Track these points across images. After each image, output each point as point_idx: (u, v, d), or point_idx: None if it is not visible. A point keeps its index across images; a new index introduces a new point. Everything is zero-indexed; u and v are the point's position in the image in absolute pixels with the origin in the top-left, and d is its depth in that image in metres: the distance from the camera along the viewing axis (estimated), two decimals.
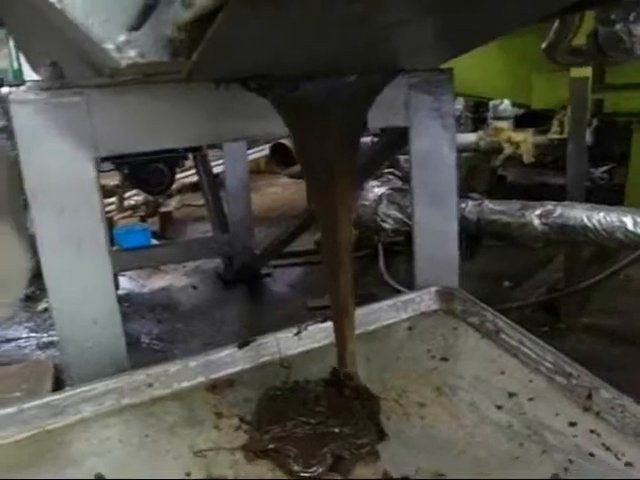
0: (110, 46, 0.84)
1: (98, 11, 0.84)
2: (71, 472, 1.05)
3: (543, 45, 2.99)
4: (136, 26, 0.79)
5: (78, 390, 1.20)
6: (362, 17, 0.73)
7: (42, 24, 1.10)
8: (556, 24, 2.82)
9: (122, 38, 0.84)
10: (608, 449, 1.04)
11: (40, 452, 1.10)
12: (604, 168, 4.21)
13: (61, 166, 1.20)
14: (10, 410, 1.15)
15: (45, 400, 1.18)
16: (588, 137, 3.18)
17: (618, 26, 2.57)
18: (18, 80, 3.93)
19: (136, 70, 0.90)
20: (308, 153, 1.14)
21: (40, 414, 1.16)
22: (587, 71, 2.93)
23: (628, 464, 1.01)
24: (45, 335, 3.29)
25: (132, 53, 0.85)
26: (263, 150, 6.00)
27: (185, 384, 1.28)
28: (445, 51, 1.20)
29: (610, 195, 3.77)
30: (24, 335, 3.32)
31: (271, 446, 1.07)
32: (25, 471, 1.05)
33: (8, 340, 3.26)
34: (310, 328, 1.41)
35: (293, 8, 0.64)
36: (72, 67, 1.23)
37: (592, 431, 1.09)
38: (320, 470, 1.02)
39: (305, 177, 1.14)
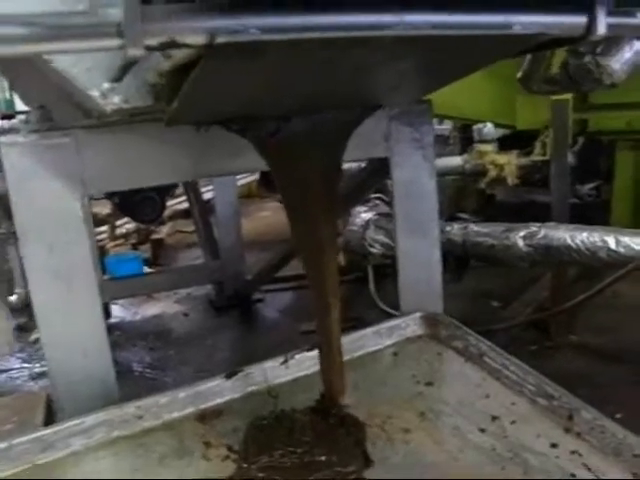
0: (95, 93, 0.87)
1: (82, 60, 0.88)
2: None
3: (518, 75, 3.05)
4: (118, 78, 0.82)
5: (68, 424, 1.22)
6: (335, 61, 0.77)
7: (31, 70, 1.13)
8: (529, 56, 2.88)
9: (106, 85, 0.88)
10: (589, 469, 1.07)
11: None
12: (591, 185, 4.26)
13: (50, 204, 1.23)
14: (0, 446, 1.16)
15: (35, 435, 1.20)
16: (571, 157, 3.23)
17: (587, 58, 2.63)
18: (10, 110, 3.96)
19: (121, 113, 0.94)
20: (289, 189, 1.17)
21: (30, 449, 1.18)
22: (567, 95, 2.99)
23: None
24: (37, 365, 3.27)
25: (116, 99, 0.89)
26: (253, 175, 6.04)
27: (175, 415, 1.30)
28: (420, 88, 1.24)
29: (598, 211, 3.82)
30: (16, 366, 3.31)
31: (259, 475, 1.09)
32: None
33: (0, 371, 3.26)
34: (297, 357, 1.43)
35: (265, 59, 0.68)
36: (60, 109, 1.27)
37: (573, 452, 1.11)
38: None
39: (287, 213, 1.17)
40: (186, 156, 1.35)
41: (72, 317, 1.32)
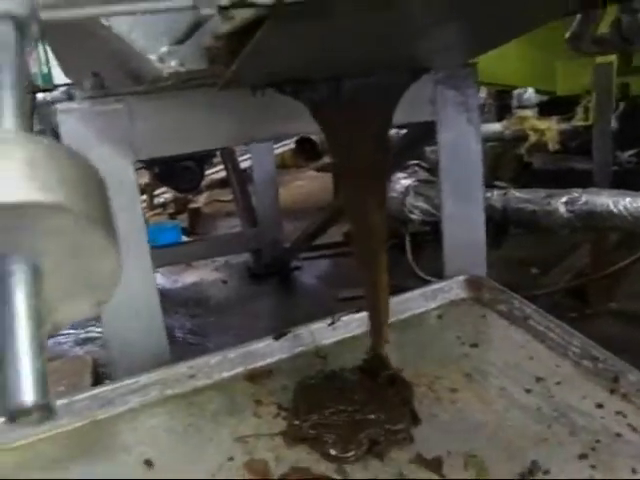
0: (153, 57, 0.89)
1: (140, 25, 0.90)
2: (122, 459, 1.11)
3: (567, 35, 2.98)
4: (181, 40, 0.84)
5: (124, 382, 1.26)
6: (396, 21, 0.78)
7: (84, 38, 1.16)
8: (579, 15, 2.81)
9: (164, 49, 0.89)
10: (634, 430, 1.07)
11: (91, 441, 1.17)
12: (631, 152, 4.18)
13: (104, 169, 1.25)
14: (62, 402, 1.21)
15: (94, 392, 1.25)
16: (613, 122, 3.17)
17: None
18: (48, 84, 4.00)
19: (176, 77, 0.96)
20: (341, 151, 1.19)
21: (90, 405, 1.23)
22: (612, 56, 2.92)
23: None
24: (82, 332, 3.35)
25: (173, 63, 0.91)
26: (289, 144, 6.03)
27: (225, 374, 1.33)
28: (469, 49, 1.24)
29: (638, 178, 3.75)
30: (63, 332, 3.39)
31: (310, 432, 1.12)
32: (78, 459, 1.12)
33: (48, 337, 3.35)
34: (344, 319, 1.46)
35: (332, 18, 0.69)
36: (112, 76, 1.29)
37: (618, 412, 1.12)
38: (357, 454, 1.07)
39: (338, 175, 1.19)
40: (235, 121, 1.37)
41: (126, 280, 1.35)
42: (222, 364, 1.34)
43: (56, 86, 3.59)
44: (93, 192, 0.47)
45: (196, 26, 0.78)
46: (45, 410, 0.43)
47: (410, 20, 0.77)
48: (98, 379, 2.54)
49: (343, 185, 1.18)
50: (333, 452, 1.08)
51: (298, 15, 0.63)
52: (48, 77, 4.29)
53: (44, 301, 0.47)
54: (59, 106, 1.21)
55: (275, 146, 5.05)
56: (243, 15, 0.68)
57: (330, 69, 1.02)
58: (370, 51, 0.91)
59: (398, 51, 0.97)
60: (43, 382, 0.44)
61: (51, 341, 3.29)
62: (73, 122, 1.22)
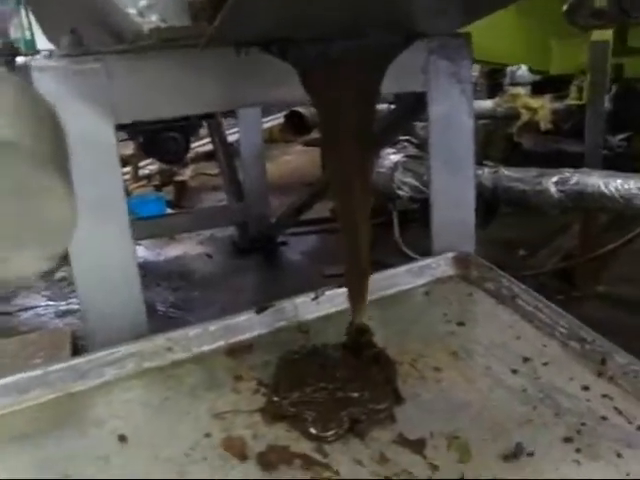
0: (133, 11, 0.84)
1: None
2: (94, 433, 1.08)
3: (564, 7, 2.93)
4: None
5: (100, 354, 1.23)
6: None
7: None
8: None
9: (144, 2, 0.85)
10: (620, 413, 1.06)
11: (64, 414, 1.13)
12: (622, 135, 4.16)
13: (82, 132, 1.20)
14: (35, 373, 1.18)
15: (69, 364, 1.21)
16: (607, 103, 3.13)
17: None
18: (31, 50, 3.92)
19: (157, 35, 0.91)
20: (328, 117, 1.14)
21: (64, 377, 1.19)
22: (608, 34, 2.87)
23: None
24: (63, 303, 3.32)
25: (153, 17, 0.86)
26: (277, 118, 5.97)
27: (204, 348, 1.30)
28: (466, 14, 1.19)
29: (628, 163, 3.73)
30: (42, 304, 3.36)
31: (290, 410, 1.09)
32: (48, 433, 1.08)
33: (26, 309, 3.30)
34: (327, 293, 1.42)
35: None
36: (91, 35, 1.24)
37: (605, 395, 1.10)
38: (337, 433, 1.04)
39: (324, 142, 1.15)
40: (219, 85, 1.32)
41: (103, 249, 1.32)
42: (202, 337, 1.31)
43: (39, 52, 3.51)
44: (47, 132, 0.42)
45: None
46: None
47: None
48: (77, 352, 2.50)
49: (328, 153, 1.14)
50: (313, 431, 1.05)
51: None
52: (31, 43, 4.19)
53: None
54: (33, 63, 1.15)
55: (264, 120, 5.00)
56: None
57: (318, 28, 0.98)
58: (359, 9, 0.87)
59: (387, 10, 0.93)
60: None
61: (30, 313, 3.25)
62: (48, 80, 1.17)
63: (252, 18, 0.81)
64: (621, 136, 4.09)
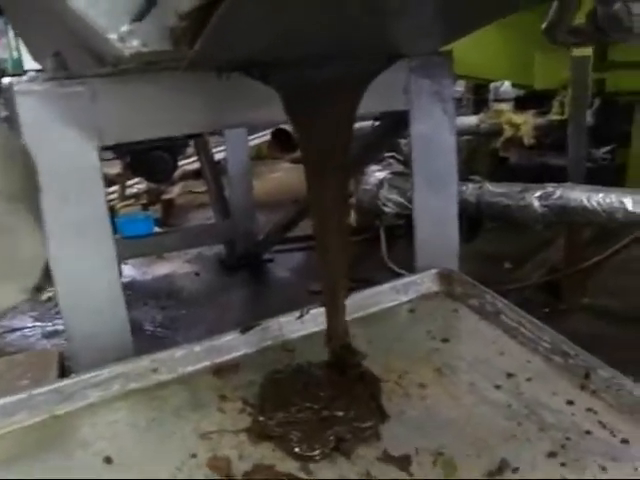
0: (113, 36, 0.85)
1: (100, 1, 0.86)
2: (80, 455, 1.08)
3: (543, 25, 2.97)
4: (139, 17, 0.80)
5: (85, 376, 1.22)
6: (364, 2, 0.75)
7: (44, 15, 1.11)
8: (555, 4, 2.79)
9: (125, 28, 0.85)
10: (604, 427, 1.07)
11: (49, 437, 1.13)
12: (606, 148, 4.20)
13: (65, 155, 1.21)
14: (20, 396, 1.17)
15: (53, 386, 1.20)
16: (589, 118, 3.17)
17: (617, 5, 2.54)
18: (18, 70, 3.92)
19: (139, 59, 0.91)
20: (307, 139, 1.15)
21: (49, 400, 1.18)
22: (588, 50, 2.91)
23: (624, 441, 1.03)
24: (50, 324, 3.30)
25: (135, 43, 0.87)
26: (264, 135, 5.98)
27: (190, 368, 1.30)
28: (447, 34, 1.21)
29: (612, 175, 3.77)
30: (29, 325, 3.33)
31: (276, 430, 1.09)
32: (34, 456, 1.07)
33: (13, 330, 3.28)
34: (312, 312, 1.43)
35: None
36: (75, 57, 1.25)
37: (589, 409, 1.11)
38: (323, 452, 1.04)
39: (303, 162, 1.16)
40: (202, 107, 1.33)
41: (87, 271, 1.31)
42: (187, 358, 1.31)
43: (26, 71, 3.52)
44: (15, 169, 0.43)
45: (152, 1, 0.74)
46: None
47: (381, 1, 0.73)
48: (64, 373, 2.49)
49: (307, 172, 1.15)
50: (298, 450, 1.05)
51: None
52: (18, 62, 4.20)
53: None
54: (17, 87, 1.16)
55: (250, 137, 5.00)
56: None
57: (298, 52, 0.98)
58: (340, 33, 0.88)
59: (369, 35, 0.94)
60: None
61: (16, 334, 3.23)
62: (32, 104, 1.17)
63: (232, 43, 0.82)
64: (605, 149, 4.13)
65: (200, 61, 0.95)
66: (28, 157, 0.47)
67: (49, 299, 3.44)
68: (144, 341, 2.88)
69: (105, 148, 1.31)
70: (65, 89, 1.21)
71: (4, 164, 0.42)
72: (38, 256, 0.48)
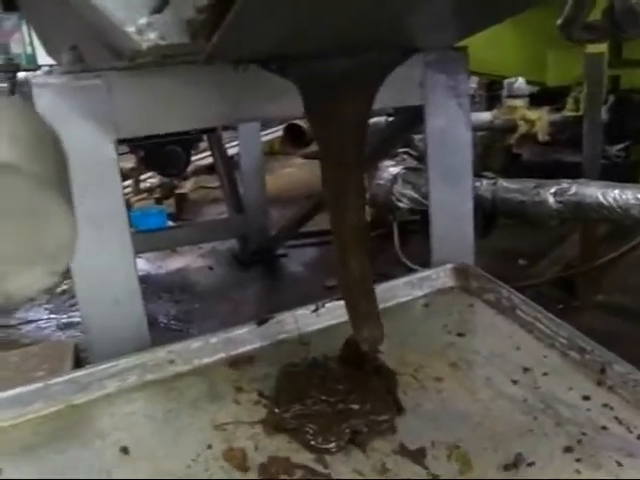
0: (131, 29, 0.86)
1: None
2: (97, 445, 1.09)
3: (558, 22, 2.96)
4: (158, 9, 0.80)
5: (102, 366, 1.23)
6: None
7: (62, 9, 1.12)
8: (571, 1, 2.79)
9: (143, 21, 0.86)
10: (620, 422, 1.06)
11: (66, 427, 1.14)
12: (620, 146, 4.17)
13: (82, 148, 1.22)
14: (37, 386, 1.18)
15: (70, 376, 1.22)
16: (604, 114, 3.16)
17: (634, 0, 2.54)
18: (32, 65, 3.94)
19: (156, 52, 0.92)
20: (324, 132, 1.15)
21: (65, 390, 1.20)
22: (603, 47, 2.90)
23: None
24: (65, 316, 3.33)
25: (152, 35, 0.87)
26: (277, 131, 5.99)
27: (206, 360, 1.31)
28: (462, 29, 1.21)
29: (626, 173, 3.74)
30: (44, 317, 3.37)
31: (292, 422, 1.09)
32: (51, 445, 1.08)
33: (29, 321, 3.31)
34: (328, 305, 1.43)
35: None
36: (91, 51, 1.25)
37: (605, 405, 1.11)
38: (339, 444, 1.05)
39: (320, 157, 1.16)
40: (218, 100, 1.33)
41: (104, 263, 1.32)
42: (203, 349, 1.31)
43: (40, 66, 3.54)
44: (47, 153, 0.44)
45: None
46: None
47: None
48: (79, 364, 2.50)
49: (322, 167, 1.15)
50: (314, 443, 1.05)
51: None
52: (32, 58, 4.22)
53: None
54: (34, 80, 1.17)
55: (264, 133, 5.01)
56: None
57: (316, 46, 0.99)
58: (356, 26, 0.88)
59: (386, 27, 0.94)
60: None
61: (32, 325, 3.26)
62: (49, 97, 1.18)
63: (249, 36, 0.82)
64: (619, 146, 4.10)
65: (218, 54, 0.95)
66: (60, 144, 0.48)
67: (64, 291, 3.47)
68: (158, 334, 2.88)
69: (119, 142, 1.31)
70: (82, 82, 1.22)
71: (39, 149, 0.43)
72: (69, 242, 0.49)
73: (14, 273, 0.49)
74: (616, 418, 1.07)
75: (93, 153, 1.24)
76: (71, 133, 1.21)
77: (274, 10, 0.70)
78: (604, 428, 1.05)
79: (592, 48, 2.90)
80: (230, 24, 0.72)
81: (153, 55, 0.98)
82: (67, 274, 1.30)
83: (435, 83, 1.53)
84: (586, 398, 1.13)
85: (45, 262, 0.50)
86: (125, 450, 1.07)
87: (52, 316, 3.35)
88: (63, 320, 3.29)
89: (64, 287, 3.42)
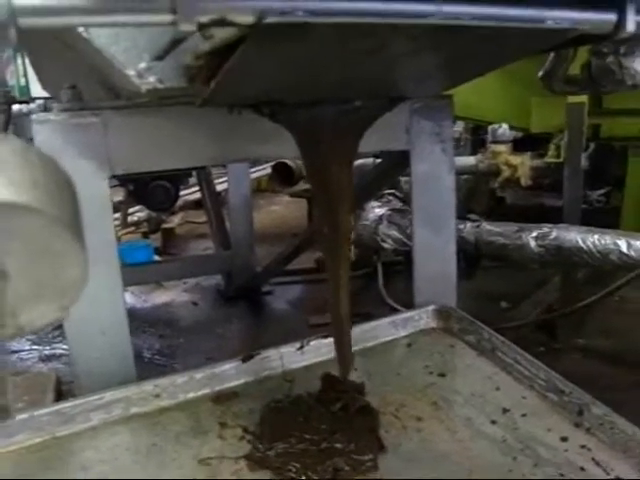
0: (132, 72, 0.89)
1: (121, 39, 0.90)
2: (80, 478, 1.09)
3: (540, 73, 3.06)
4: (161, 56, 0.84)
5: (87, 399, 1.24)
6: (372, 50, 0.79)
7: (62, 49, 1.15)
8: (552, 54, 2.88)
9: (143, 65, 0.90)
10: (598, 464, 1.08)
11: (50, 458, 1.14)
12: (601, 191, 4.27)
13: (77, 182, 1.24)
14: (21, 417, 1.18)
15: (55, 408, 1.22)
16: (584, 161, 3.23)
17: (609, 58, 2.64)
18: (25, 97, 3.96)
19: (154, 94, 0.95)
20: (316, 173, 1.20)
21: (50, 421, 1.20)
22: (583, 97, 2.99)
23: (617, 479, 1.04)
24: (47, 348, 3.30)
25: (152, 79, 0.91)
26: (265, 169, 6.04)
27: (191, 395, 1.32)
28: (448, 80, 1.25)
29: (607, 218, 3.82)
30: (26, 348, 3.34)
31: (276, 461, 1.11)
32: (35, 477, 1.09)
33: (11, 352, 3.28)
34: (312, 343, 1.45)
35: (310, 42, 0.69)
36: (89, 89, 1.29)
37: (583, 446, 1.12)
38: None
39: (313, 193, 1.21)
40: (212, 140, 1.37)
41: (93, 296, 1.33)
42: (188, 384, 1.33)
43: (33, 99, 3.57)
44: (63, 196, 0.47)
45: (176, 43, 0.79)
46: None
47: (388, 49, 0.78)
48: (61, 397, 2.49)
49: (316, 207, 1.19)
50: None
51: (277, 37, 0.64)
52: (25, 89, 4.25)
53: (8, 303, 0.46)
54: (35, 117, 1.20)
55: (252, 170, 5.06)
56: (223, 34, 0.68)
57: (307, 93, 1.03)
58: (348, 77, 0.92)
59: (373, 80, 0.98)
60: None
61: (14, 356, 3.23)
62: (48, 133, 1.22)
63: (245, 83, 0.86)
64: (600, 192, 4.19)
65: (214, 99, 0.99)
66: (73, 186, 0.51)
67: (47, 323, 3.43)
68: (142, 368, 2.87)
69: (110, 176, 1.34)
70: (80, 120, 1.25)
71: (58, 193, 0.46)
72: (80, 278, 0.52)
73: (27, 307, 0.52)
74: (593, 459, 1.09)
75: (87, 188, 1.24)
76: (67, 168, 1.25)
77: (268, 64, 0.74)
78: (582, 469, 1.06)
79: (573, 98, 3.00)
80: (226, 73, 0.75)
81: (151, 97, 1.01)
82: None
83: (421, 129, 1.57)
84: (564, 439, 1.15)
85: (56, 297, 0.53)
86: None
87: (34, 347, 3.32)
88: (45, 352, 3.26)
89: None
